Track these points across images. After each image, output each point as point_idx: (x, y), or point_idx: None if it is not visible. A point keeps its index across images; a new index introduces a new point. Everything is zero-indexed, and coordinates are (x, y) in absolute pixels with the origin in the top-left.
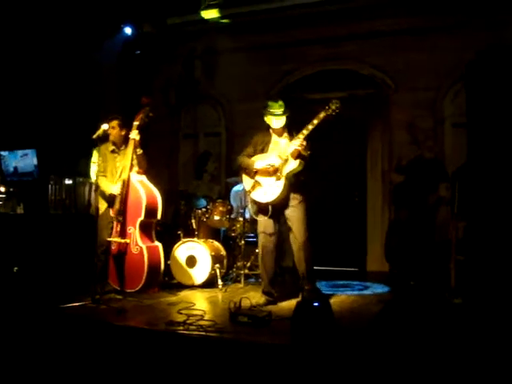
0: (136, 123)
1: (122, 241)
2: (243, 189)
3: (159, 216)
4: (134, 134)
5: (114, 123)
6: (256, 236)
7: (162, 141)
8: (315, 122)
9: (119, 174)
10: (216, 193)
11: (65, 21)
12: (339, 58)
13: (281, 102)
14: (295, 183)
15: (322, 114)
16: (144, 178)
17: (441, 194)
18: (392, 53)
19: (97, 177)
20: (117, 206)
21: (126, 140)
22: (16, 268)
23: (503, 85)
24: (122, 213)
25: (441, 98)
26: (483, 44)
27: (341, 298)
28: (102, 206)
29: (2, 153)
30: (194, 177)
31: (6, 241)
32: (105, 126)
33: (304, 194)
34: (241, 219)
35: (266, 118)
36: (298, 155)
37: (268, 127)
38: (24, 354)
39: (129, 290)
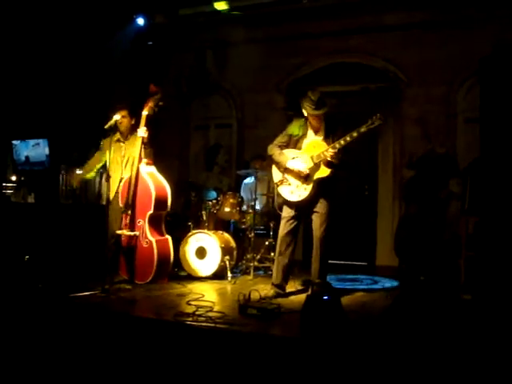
0: (145, 113)
1: (132, 234)
2: (253, 181)
3: (169, 208)
4: (143, 132)
5: (124, 113)
6: (265, 229)
7: (173, 132)
8: (354, 134)
9: (125, 163)
10: (226, 185)
11: (78, 11)
12: (351, 51)
13: (318, 97)
14: (324, 186)
15: (363, 129)
16: (154, 169)
17: (452, 189)
18: (404, 47)
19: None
20: (124, 198)
21: (133, 129)
22: (27, 257)
23: None
24: (131, 205)
25: (453, 92)
26: (497, 39)
27: (350, 293)
28: (112, 193)
29: (14, 142)
30: (205, 168)
31: (17, 230)
32: (117, 117)
33: (331, 196)
34: (251, 211)
35: (303, 111)
36: (328, 163)
37: (305, 118)
38: (33, 342)
39: (139, 282)
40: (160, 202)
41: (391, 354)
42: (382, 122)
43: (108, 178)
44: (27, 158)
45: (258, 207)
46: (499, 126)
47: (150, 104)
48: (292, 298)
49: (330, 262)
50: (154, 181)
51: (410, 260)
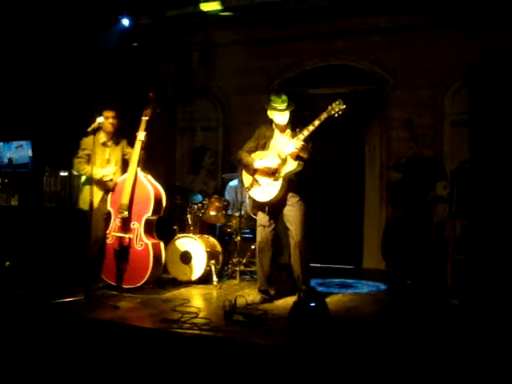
0: (145, 118)
1: (126, 236)
2: (238, 184)
3: (162, 212)
4: (143, 136)
5: (110, 113)
6: (252, 232)
7: (159, 134)
8: (316, 123)
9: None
10: (212, 188)
11: (61, 12)
12: (338, 53)
13: (284, 97)
14: (294, 183)
15: (323, 116)
16: (149, 175)
17: (438, 192)
18: (391, 49)
19: (78, 164)
20: (123, 200)
21: (117, 133)
22: (8, 263)
23: (506, 84)
24: (127, 207)
25: (440, 95)
26: (484, 42)
27: (336, 297)
28: (96, 199)
29: None
30: (191, 171)
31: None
32: (100, 119)
33: (303, 194)
34: (237, 215)
35: (268, 113)
36: (296, 156)
37: (271, 121)
38: (14, 350)
39: (128, 286)
40: (157, 206)
41: (379, 360)
42: (344, 107)
43: (92, 181)
44: (10, 160)
45: (243, 211)
46: (488, 129)
47: (150, 110)
48: (278, 302)
49: (316, 265)
50: (152, 185)
51: (396, 263)
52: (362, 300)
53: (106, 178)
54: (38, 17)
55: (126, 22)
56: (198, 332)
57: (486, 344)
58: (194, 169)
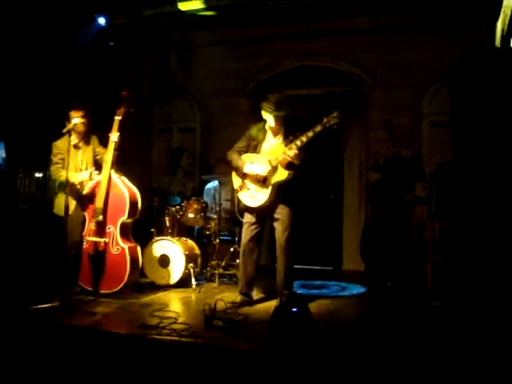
0: (118, 118)
1: (101, 240)
2: (216, 186)
3: (138, 214)
4: (116, 137)
5: (79, 113)
6: (231, 235)
7: (135, 135)
8: (310, 134)
9: (84, 169)
10: (190, 189)
11: (35, 10)
12: (316, 53)
13: (279, 99)
14: (283, 190)
15: (318, 128)
16: (124, 177)
17: (417, 193)
18: (370, 50)
19: (56, 171)
20: (97, 204)
21: (87, 134)
22: None
23: (487, 85)
24: (102, 211)
25: (419, 96)
26: (463, 45)
27: (317, 300)
28: (72, 204)
29: None
30: (168, 173)
31: None
32: (75, 120)
33: (291, 201)
34: (215, 217)
35: (262, 113)
36: (287, 165)
37: (264, 121)
38: None
39: (105, 291)
40: (132, 209)
41: (362, 364)
42: (339, 121)
43: (67, 185)
44: None
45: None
46: (470, 131)
47: (123, 109)
48: (258, 306)
49: (295, 267)
50: (127, 187)
51: (376, 264)
52: (344, 303)
53: (84, 183)
54: (10, 15)
55: (102, 21)
56: (177, 338)
57: (469, 345)
58: (172, 170)
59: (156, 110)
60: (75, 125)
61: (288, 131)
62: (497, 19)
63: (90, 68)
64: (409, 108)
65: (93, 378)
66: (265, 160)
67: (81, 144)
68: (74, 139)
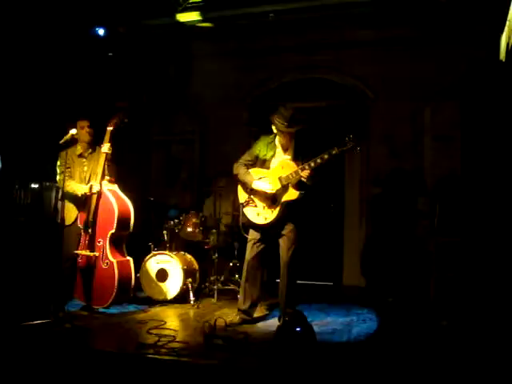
0: (110, 129)
1: (91, 254)
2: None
3: (131, 228)
4: (107, 148)
5: (84, 123)
6: (230, 249)
7: (133, 147)
8: (326, 157)
9: (88, 178)
10: (188, 202)
11: (32, 20)
12: (318, 66)
13: (291, 113)
14: (291, 209)
15: (334, 151)
16: (116, 187)
17: (419, 207)
18: (372, 63)
19: (63, 181)
20: (86, 216)
21: (92, 143)
22: None
23: (497, 98)
24: (92, 224)
25: (421, 110)
26: (467, 57)
27: (319, 321)
28: (69, 215)
29: None
30: (166, 185)
31: None
32: (73, 131)
33: (298, 219)
34: (214, 231)
35: (273, 127)
36: (299, 187)
37: (274, 135)
38: None
39: (96, 307)
40: (122, 222)
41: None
42: (356, 144)
43: (63, 196)
44: None
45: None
46: (480, 144)
47: (116, 120)
48: (259, 324)
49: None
50: (117, 199)
51: (377, 280)
52: (346, 322)
53: (87, 192)
54: (8, 24)
55: (101, 31)
56: (175, 358)
57: (478, 364)
58: (170, 182)
59: (155, 121)
60: (72, 135)
61: (295, 144)
62: (501, 32)
63: (89, 78)
64: (410, 121)
65: None
66: (274, 178)
67: (86, 154)
68: (79, 149)
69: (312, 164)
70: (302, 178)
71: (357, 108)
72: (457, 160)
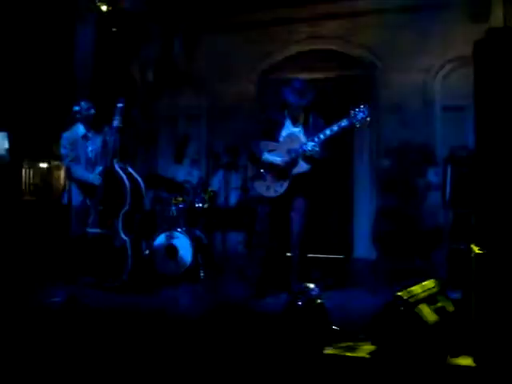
0: (121, 105)
1: (103, 232)
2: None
3: (143, 205)
4: (119, 122)
5: (89, 103)
6: (239, 224)
7: (140, 123)
8: (335, 129)
9: (93, 159)
10: (196, 177)
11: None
12: (325, 37)
13: (302, 85)
14: (301, 182)
15: (344, 123)
16: (128, 166)
17: (430, 179)
18: (380, 32)
19: (68, 165)
20: (100, 195)
21: (97, 122)
22: None
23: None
24: (104, 202)
25: (431, 79)
26: (476, 25)
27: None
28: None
29: None
30: (174, 161)
31: None
32: (76, 108)
33: (309, 193)
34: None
35: (284, 98)
36: (309, 160)
37: (284, 107)
38: None
39: (108, 285)
40: (136, 199)
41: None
42: (365, 116)
43: (70, 175)
44: None
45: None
46: (496, 113)
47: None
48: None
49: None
50: (130, 177)
51: (388, 253)
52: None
53: (95, 183)
54: (13, 5)
55: (104, 7)
56: None
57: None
58: (178, 158)
59: (161, 97)
60: (77, 112)
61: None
62: None
63: (93, 55)
64: (420, 92)
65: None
66: (284, 150)
67: (90, 134)
68: (82, 130)
69: (321, 136)
70: (312, 152)
71: (365, 78)
72: (469, 131)
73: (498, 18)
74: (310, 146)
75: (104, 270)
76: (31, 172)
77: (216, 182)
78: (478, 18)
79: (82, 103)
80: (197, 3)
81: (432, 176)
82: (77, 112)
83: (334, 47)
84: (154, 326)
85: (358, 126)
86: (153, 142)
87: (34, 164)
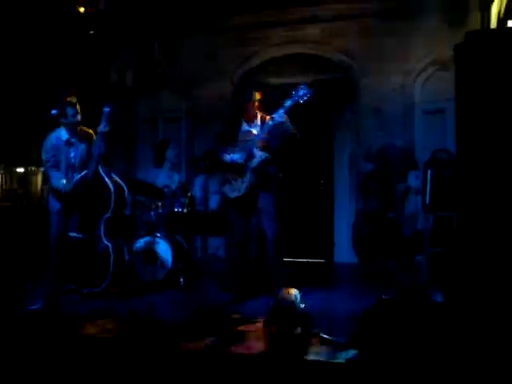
0: (107, 109)
1: (85, 237)
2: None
3: (125, 210)
4: (106, 127)
5: (74, 98)
6: (219, 229)
7: (119, 126)
8: (281, 111)
9: (78, 162)
10: (176, 182)
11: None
12: (304, 41)
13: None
14: (261, 176)
15: (287, 103)
16: (111, 171)
17: (410, 182)
18: (359, 36)
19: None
20: (84, 199)
21: (81, 125)
22: None
23: (495, 67)
24: (85, 207)
25: (410, 83)
26: (455, 29)
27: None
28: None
29: None
30: (154, 165)
31: None
32: (54, 112)
33: (272, 189)
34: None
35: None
36: (261, 147)
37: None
38: None
39: (88, 291)
40: (119, 204)
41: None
42: (309, 93)
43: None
44: None
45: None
46: (477, 116)
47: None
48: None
49: (286, 260)
50: (114, 181)
51: (369, 257)
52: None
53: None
54: None
55: (81, 9)
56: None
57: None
58: (157, 162)
59: (140, 100)
60: (57, 115)
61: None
62: (492, 2)
63: (71, 57)
64: (400, 95)
65: None
66: (240, 147)
67: (73, 140)
68: (65, 135)
69: (270, 123)
70: (259, 139)
71: (345, 82)
72: (449, 134)
73: (474, 21)
74: (259, 132)
75: (85, 275)
76: (7, 177)
77: (197, 187)
78: (455, 22)
79: (68, 109)
80: (176, 6)
81: (412, 180)
82: (61, 117)
83: (312, 51)
84: (133, 332)
85: (301, 102)
86: (132, 145)
87: (10, 169)
